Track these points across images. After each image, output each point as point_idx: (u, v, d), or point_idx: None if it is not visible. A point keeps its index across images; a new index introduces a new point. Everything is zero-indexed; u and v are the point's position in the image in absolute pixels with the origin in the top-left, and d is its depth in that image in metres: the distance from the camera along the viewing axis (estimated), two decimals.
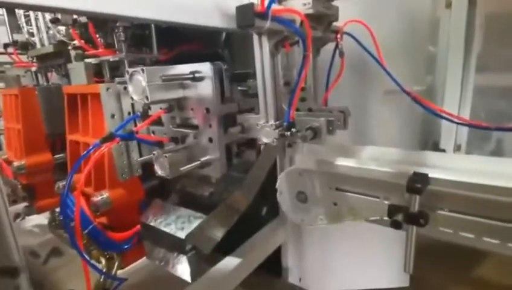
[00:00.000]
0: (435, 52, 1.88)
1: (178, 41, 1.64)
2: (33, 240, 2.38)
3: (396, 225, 0.85)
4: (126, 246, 1.36)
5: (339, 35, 1.19)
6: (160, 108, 1.23)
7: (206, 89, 1.12)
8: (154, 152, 1.14)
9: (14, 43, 1.96)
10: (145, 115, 1.26)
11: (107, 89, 1.29)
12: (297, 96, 0.96)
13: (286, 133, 0.99)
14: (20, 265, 0.82)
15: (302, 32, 0.91)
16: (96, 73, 1.52)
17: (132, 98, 1.14)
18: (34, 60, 1.95)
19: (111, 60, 1.50)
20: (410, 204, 0.87)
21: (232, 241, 1.49)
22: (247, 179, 1.36)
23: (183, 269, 1.27)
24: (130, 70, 1.09)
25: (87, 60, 1.49)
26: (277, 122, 1.02)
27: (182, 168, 1.14)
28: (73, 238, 1.04)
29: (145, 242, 1.38)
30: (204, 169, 1.21)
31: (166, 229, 1.26)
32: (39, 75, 2.03)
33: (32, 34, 1.88)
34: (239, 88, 1.34)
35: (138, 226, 1.36)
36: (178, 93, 1.17)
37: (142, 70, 1.05)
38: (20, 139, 1.81)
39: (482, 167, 0.88)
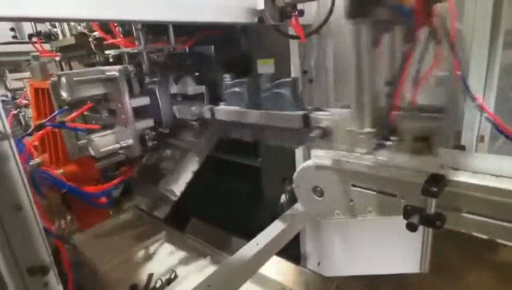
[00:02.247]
0: (460, 30, 1.79)
1: (195, 28, 1.63)
2: None
3: (411, 228, 0.86)
4: (103, 197, 1.74)
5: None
6: (89, 101, 1.54)
7: (117, 87, 1.45)
8: (87, 137, 1.46)
9: (38, 34, 2.01)
10: (75, 106, 1.51)
11: (53, 86, 1.57)
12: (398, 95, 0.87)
13: (386, 142, 0.92)
14: (49, 263, 0.88)
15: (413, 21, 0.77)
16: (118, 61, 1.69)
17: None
18: (58, 50, 2.00)
19: (130, 52, 1.53)
20: (427, 205, 0.86)
21: (253, 228, 1.53)
22: None
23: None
24: (59, 73, 1.39)
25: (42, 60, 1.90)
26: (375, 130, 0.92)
27: (102, 150, 1.44)
28: None
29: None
30: (124, 150, 1.55)
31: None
32: (63, 64, 2.09)
33: (54, 25, 1.91)
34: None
35: (112, 182, 1.75)
36: (99, 90, 1.46)
37: (64, 74, 1.35)
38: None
39: (502, 168, 0.86)
